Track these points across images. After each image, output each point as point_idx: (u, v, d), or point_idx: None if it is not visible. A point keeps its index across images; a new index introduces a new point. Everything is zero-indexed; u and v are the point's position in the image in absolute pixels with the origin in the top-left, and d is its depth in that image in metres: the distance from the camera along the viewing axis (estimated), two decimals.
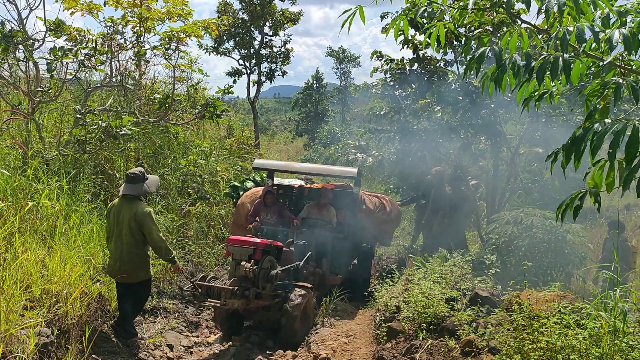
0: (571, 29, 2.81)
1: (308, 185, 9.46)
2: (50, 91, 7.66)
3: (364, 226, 8.55)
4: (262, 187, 8.93)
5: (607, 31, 2.78)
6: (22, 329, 4.53)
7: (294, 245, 7.63)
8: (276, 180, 9.57)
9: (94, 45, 7.94)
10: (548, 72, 2.98)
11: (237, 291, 6.15)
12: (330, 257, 8.23)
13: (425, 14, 3.80)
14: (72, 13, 8.47)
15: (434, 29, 3.58)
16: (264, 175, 10.42)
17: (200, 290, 6.20)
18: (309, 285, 7.02)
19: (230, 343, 6.73)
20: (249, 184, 10.59)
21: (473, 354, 4.75)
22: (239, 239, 6.67)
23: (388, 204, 9.27)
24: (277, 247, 7.03)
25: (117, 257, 5.81)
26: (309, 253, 7.65)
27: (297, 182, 9.69)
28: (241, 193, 9.86)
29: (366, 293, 8.20)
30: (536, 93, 3.13)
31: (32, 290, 5.03)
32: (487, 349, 4.81)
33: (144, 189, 5.93)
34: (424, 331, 5.49)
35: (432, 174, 9.65)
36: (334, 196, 8.72)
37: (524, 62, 3.06)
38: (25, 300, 4.88)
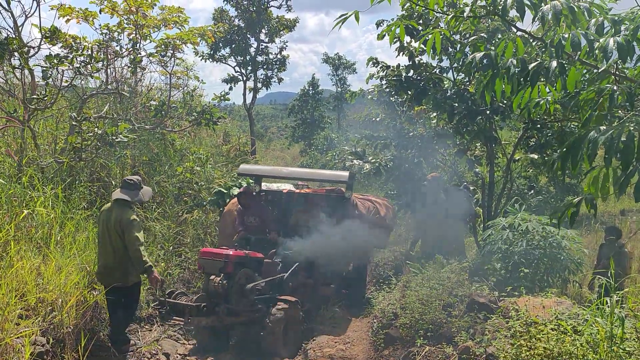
0: (566, 36, 2.83)
1: (297, 191, 9.11)
2: (45, 99, 7.64)
3: (357, 231, 8.12)
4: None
5: (601, 40, 2.80)
6: (18, 337, 4.50)
7: (278, 255, 7.21)
8: (265, 186, 9.16)
9: (89, 52, 7.94)
10: (542, 79, 3.01)
11: (205, 307, 5.89)
12: (322, 266, 7.73)
13: (421, 21, 3.83)
14: (68, 20, 8.48)
15: (430, 35, 3.60)
16: (251, 181, 9.84)
17: (166, 307, 5.97)
18: (293, 299, 6.62)
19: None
20: (236, 190, 10.03)
21: None
22: (211, 251, 6.43)
23: (382, 208, 9.01)
24: (256, 258, 6.68)
25: (108, 261, 5.78)
26: (296, 264, 7.22)
27: (285, 187, 9.35)
28: (228, 200, 9.40)
29: (363, 299, 8.16)
30: (532, 100, 3.15)
31: (27, 299, 5.00)
32: (484, 355, 4.81)
33: (138, 197, 5.95)
34: (422, 338, 5.48)
35: (428, 180, 9.63)
36: (325, 201, 8.36)
37: (519, 68, 3.07)
38: (21, 309, 4.85)
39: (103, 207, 6.11)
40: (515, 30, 3.39)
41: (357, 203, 8.53)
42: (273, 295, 6.63)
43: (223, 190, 9.93)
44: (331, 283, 7.93)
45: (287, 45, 21.85)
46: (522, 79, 3.06)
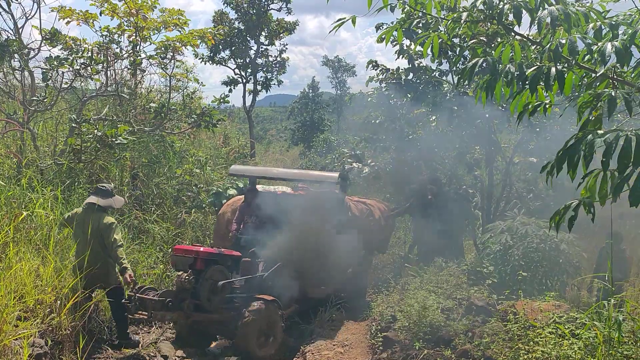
0: (563, 41, 2.85)
1: (290, 192, 8.99)
2: (45, 100, 7.66)
3: (353, 233, 7.84)
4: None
5: (599, 44, 2.81)
6: (16, 339, 4.50)
7: (256, 255, 7.04)
8: (262, 188, 8.86)
9: (89, 54, 7.96)
10: (541, 83, 3.01)
11: (170, 302, 5.90)
12: (314, 267, 7.37)
13: (420, 25, 3.84)
14: (68, 22, 8.50)
15: (428, 39, 3.62)
16: (248, 182, 9.44)
17: (134, 301, 5.88)
18: (270, 298, 6.47)
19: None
20: (232, 191, 10.06)
21: None
22: (182, 248, 6.43)
23: (376, 211, 8.87)
24: (230, 256, 6.62)
25: (90, 264, 5.66)
26: (279, 263, 7.03)
27: (280, 189, 9.21)
28: (224, 201, 9.30)
29: (362, 302, 8.12)
30: (530, 105, 3.16)
31: (26, 301, 5.00)
32: (483, 358, 4.82)
33: (111, 203, 6.13)
34: (420, 341, 5.48)
35: (417, 182, 9.62)
36: (318, 202, 7.89)
37: (517, 72, 3.09)
38: (19, 310, 4.85)
39: (72, 212, 6.15)
40: (513, 35, 3.41)
41: (351, 205, 8.42)
42: (251, 294, 6.53)
43: (220, 190, 9.93)
44: (322, 285, 7.59)
45: (287, 48, 21.85)
46: (520, 84, 3.07)
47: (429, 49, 3.63)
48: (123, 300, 5.97)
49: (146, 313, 5.85)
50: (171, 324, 7.09)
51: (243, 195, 8.39)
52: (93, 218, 5.89)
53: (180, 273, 6.13)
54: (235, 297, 6.45)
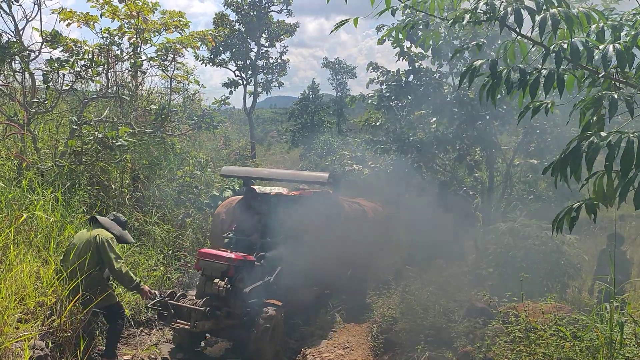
0: (565, 45, 2.84)
1: (285, 192, 8.69)
2: (46, 102, 7.66)
3: (348, 234, 7.72)
4: (239, 196, 8.39)
5: (600, 47, 2.81)
6: (17, 341, 4.49)
7: (265, 258, 7.02)
8: (258, 189, 8.77)
9: (90, 56, 7.96)
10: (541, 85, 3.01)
11: (209, 311, 5.76)
12: (306, 269, 7.19)
13: (422, 26, 3.84)
14: (69, 24, 8.51)
15: (428, 36, 3.62)
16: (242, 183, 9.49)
17: (167, 309, 5.72)
18: (279, 303, 6.49)
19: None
20: (228, 192, 10.20)
21: None
22: (213, 253, 6.22)
23: (371, 211, 8.83)
24: (250, 261, 6.56)
25: (87, 287, 5.35)
26: (279, 268, 6.96)
27: (275, 190, 9.17)
28: (220, 203, 9.24)
29: (362, 304, 8.11)
30: (532, 105, 3.16)
31: (26, 303, 4.99)
32: None
33: (108, 224, 5.67)
34: (421, 343, 5.47)
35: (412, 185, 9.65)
36: (311, 203, 7.90)
37: (519, 76, 3.08)
38: (20, 312, 4.84)
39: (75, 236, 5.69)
40: (515, 36, 3.40)
41: (344, 205, 8.35)
42: (260, 299, 6.49)
43: (216, 193, 9.95)
44: (314, 285, 7.52)
45: (287, 50, 21.97)
46: (520, 88, 3.07)
47: (430, 50, 3.64)
48: (151, 305, 5.77)
49: (186, 322, 5.66)
50: (175, 325, 7.05)
51: (239, 196, 8.37)
52: (91, 234, 5.46)
53: (216, 281, 5.98)
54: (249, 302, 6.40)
